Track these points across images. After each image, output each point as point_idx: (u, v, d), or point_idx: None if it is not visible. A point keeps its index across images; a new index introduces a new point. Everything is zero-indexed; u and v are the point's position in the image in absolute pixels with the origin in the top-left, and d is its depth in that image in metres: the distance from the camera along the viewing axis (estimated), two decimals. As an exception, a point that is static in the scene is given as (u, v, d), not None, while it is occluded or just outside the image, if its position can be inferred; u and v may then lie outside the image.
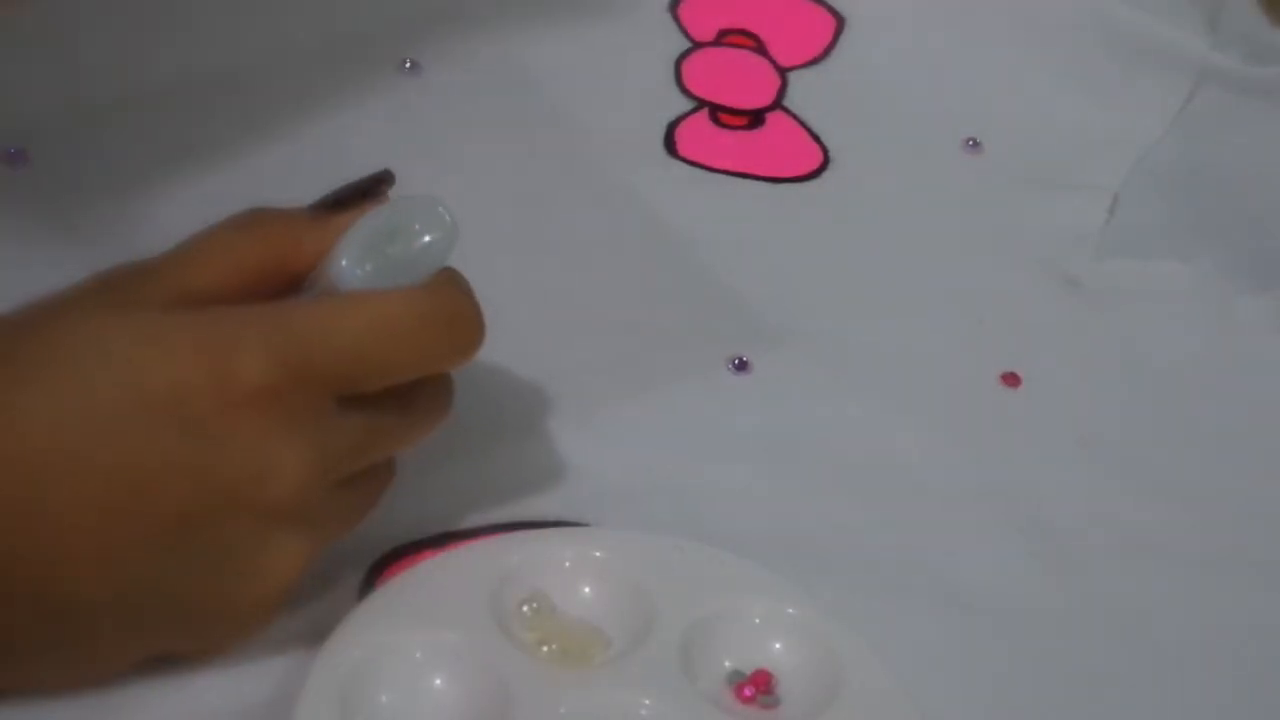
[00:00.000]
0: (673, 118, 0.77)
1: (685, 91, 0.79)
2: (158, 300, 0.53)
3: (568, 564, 0.59)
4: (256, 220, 0.56)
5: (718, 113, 0.78)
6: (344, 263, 0.54)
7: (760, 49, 0.82)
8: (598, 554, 0.59)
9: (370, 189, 0.57)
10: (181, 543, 0.52)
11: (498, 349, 0.66)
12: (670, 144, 0.76)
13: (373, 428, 0.54)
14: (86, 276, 0.54)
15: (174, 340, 0.52)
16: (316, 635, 0.55)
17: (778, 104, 0.79)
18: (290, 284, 0.55)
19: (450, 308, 0.55)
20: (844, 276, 0.72)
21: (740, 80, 0.80)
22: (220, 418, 0.51)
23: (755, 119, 0.79)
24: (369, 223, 0.55)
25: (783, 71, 0.81)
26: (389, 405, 0.55)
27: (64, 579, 0.51)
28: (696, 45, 0.81)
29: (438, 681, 0.55)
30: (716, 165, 0.76)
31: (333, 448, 0.53)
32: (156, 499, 0.51)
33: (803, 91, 0.80)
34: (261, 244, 0.55)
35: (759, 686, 0.57)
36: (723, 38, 0.82)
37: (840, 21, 0.83)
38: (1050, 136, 0.79)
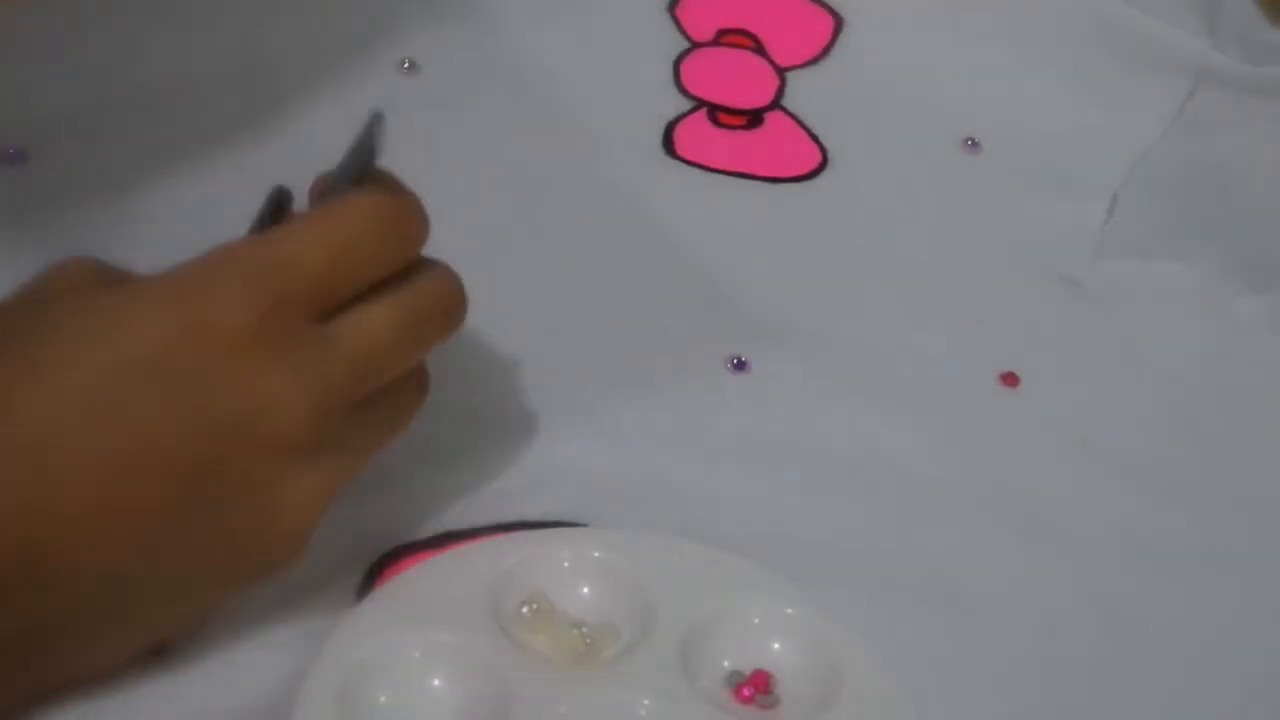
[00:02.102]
0: (671, 117, 0.77)
1: (684, 91, 0.79)
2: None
3: (567, 564, 0.59)
4: None
5: (716, 112, 0.78)
6: None
7: (759, 49, 0.82)
8: (597, 554, 0.59)
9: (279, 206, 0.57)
10: (197, 493, 0.52)
11: (497, 348, 0.67)
12: (669, 144, 0.76)
13: (364, 341, 0.54)
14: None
15: (146, 301, 0.52)
16: (316, 635, 0.55)
17: (776, 104, 0.79)
18: None
19: (391, 203, 0.56)
20: (843, 276, 0.72)
21: (739, 80, 0.80)
22: (208, 364, 0.52)
23: (754, 119, 0.79)
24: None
25: (781, 71, 0.81)
26: (373, 316, 0.55)
27: (91, 554, 0.51)
28: (695, 45, 0.81)
29: (437, 681, 0.55)
30: (715, 165, 0.76)
31: (329, 369, 0.53)
32: (163, 456, 0.51)
33: (801, 91, 0.80)
34: None
35: (758, 687, 0.57)
36: (721, 37, 0.82)
37: (839, 21, 0.83)
38: (1050, 136, 0.79)
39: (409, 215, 0.56)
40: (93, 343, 0.52)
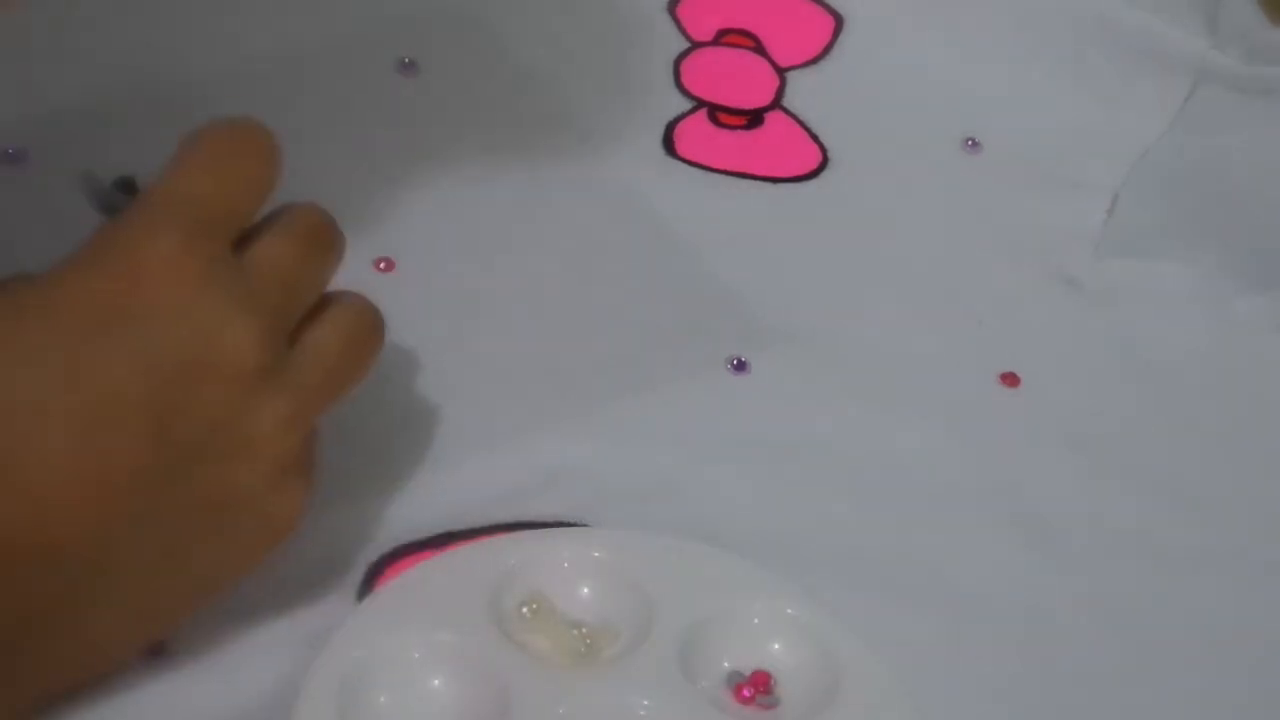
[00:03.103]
0: (672, 117, 0.77)
1: (684, 91, 0.79)
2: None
3: (567, 564, 0.59)
4: None
5: (716, 112, 0.78)
6: None
7: (759, 49, 0.81)
8: (597, 554, 0.59)
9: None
10: (165, 440, 0.51)
11: (497, 348, 0.67)
12: (669, 144, 0.76)
13: (276, 264, 0.54)
14: None
15: (77, 262, 0.52)
16: (316, 635, 0.56)
17: (776, 104, 0.79)
18: None
19: (239, 127, 0.56)
20: (843, 276, 0.72)
21: (739, 80, 0.80)
22: (148, 303, 0.51)
23: (754, 119, 0.78)
24: None
25: (781, 71, 0.81)
26: (273, 244, 0.55)
27: (69, 526, 0.50)
28: (695, 45, 0.81)
29: (436, 682, 0.55)
30: (715, 165, 0.76)
31: (260, 292, 0.53)
32: (124, 406, 0.51)
33: (801, 91, 0.80)
34: None
35: (758, 687, 0.57)
36: (721, 37, 0.82)
37: (839, 21, 0.83)
38: (1050, 136, 0.79)
39: (260, 135, 0.56)
40: (33, 310, 0.51)
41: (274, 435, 0.53)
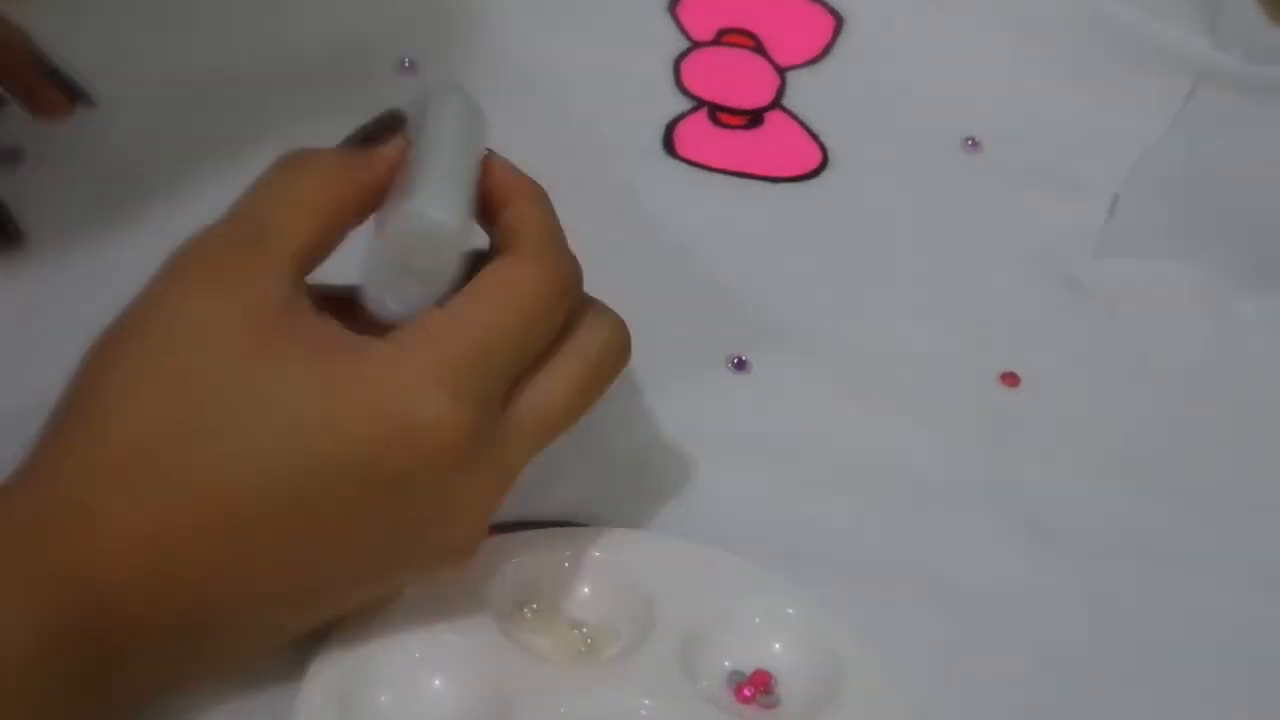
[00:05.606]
0: (672, 117, 0.77)
1: (684, 91, 0.79)
2: (283, 285, 0.53)
3: (567, 564, 0.59)
4: (309, 162, 0.56)
5: (717, 112, 0.78)
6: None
7: (759, 48, 0.81)
8: (598, 554, 0.59)
9: (386, 126, 0.58)
10: (381, 575, 0.55)
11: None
12: (669, 144, 0.76)
13: (544, 414, 0.55)
14: (177, 251, 0.54)
15: (354, 392, 0.52)
16: (316, 635, 0.55)
17: (777, 103, 0.79)
18: (353, 219, 0.56)
19: (559, 274, 0.56)
20: (843, 276, 0.72)
21: (739, 80, 0.80)
22: (413, 467, 0.52)
23: (754, 118, 0.78)
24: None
25: (782, 71, 0.81)
26: (551, 386, 0.55)
27: (267, 610, 0.53)
28: (695, 45, 0.81)
29: (437, 682, 0.55)
30: (715, 165, 0.76)
31: (514, 460, 0.55)
32: (352, 543, 0.52)
33: (802, 91, 0.80)
34: (322, 185, 0.55)
35: (759, 686, 0.57)
36: (722, 37, 0.82)
37: (839, 21, 0.83)
38: (1050, 136, 0.79)
39: (574, 278, 0.57)
40: (303, 433, 0.51)
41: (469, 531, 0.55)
